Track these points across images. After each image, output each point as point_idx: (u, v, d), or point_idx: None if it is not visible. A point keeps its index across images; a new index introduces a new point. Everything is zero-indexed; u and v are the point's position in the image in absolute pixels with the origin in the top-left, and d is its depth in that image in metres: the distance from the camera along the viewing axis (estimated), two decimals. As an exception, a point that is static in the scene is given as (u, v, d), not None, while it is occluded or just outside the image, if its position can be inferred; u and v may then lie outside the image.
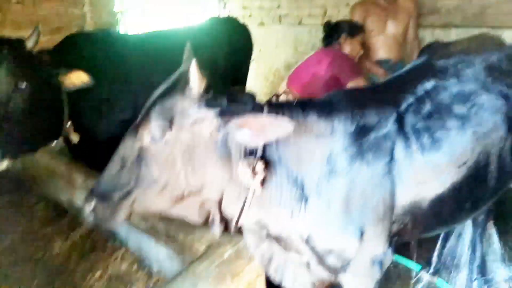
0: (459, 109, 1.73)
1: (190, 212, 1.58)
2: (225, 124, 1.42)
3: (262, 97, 6.01)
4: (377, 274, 1.70)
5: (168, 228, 2.02)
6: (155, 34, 3.51)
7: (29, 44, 2.17)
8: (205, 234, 1.89)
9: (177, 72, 1.58)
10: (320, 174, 1.55)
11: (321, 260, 1.64)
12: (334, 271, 1.67)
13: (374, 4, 3.41)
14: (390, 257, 1.71)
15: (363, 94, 1.76)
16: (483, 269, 2.57)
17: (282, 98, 2.55)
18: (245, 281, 1.71)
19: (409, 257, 2.71)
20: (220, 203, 1.56)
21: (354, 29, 3.02)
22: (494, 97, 1.79)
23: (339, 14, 4.97)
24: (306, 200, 1.56)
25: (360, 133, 1.58)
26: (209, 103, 1.44)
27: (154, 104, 1.51)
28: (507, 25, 3.82)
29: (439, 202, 1.70)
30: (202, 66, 1.49)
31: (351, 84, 2.52)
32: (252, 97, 1.55)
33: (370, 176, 1.55)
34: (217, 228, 1.62)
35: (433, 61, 1.93)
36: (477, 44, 2.18)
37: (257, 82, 6.03)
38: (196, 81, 1.42)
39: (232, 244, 1.80)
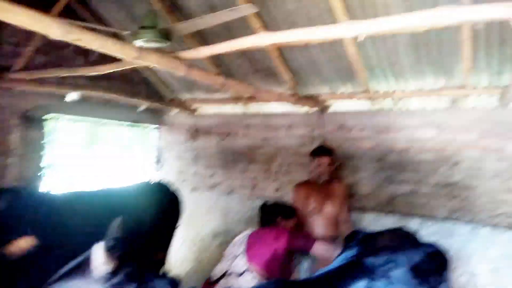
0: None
1: None
2: None
3: (186, 263, 5.74)
4: None
5: None
6: (85, 194, 3.64)
7: None
8: None
9: (86, 252, 1.47)
10: None
11: None
12: None
13: (314, 186, 3.79)
14: None
15: (294, 288, 1.71)
16: None
17: (247, 276, 2.51)
18: None
19: None
20: None
21: (289, 212, 3.23)
22: (422, 301, 1.83)
23: (269, 187, 5.29)
24: None
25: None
26: None
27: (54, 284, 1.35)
28: (411, 213, 4.28)
29: None
30: (114, 247, 1.43)
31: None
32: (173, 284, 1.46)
33: None
34: None
35: (363, 258, 1.99)
36: (399, 239, 2.33)
37: (184, 246, 5.81)
38: (101, 266, 1.33)
39: None
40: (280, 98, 4.04)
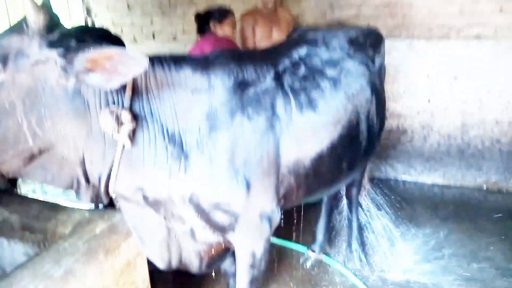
0: (330, 72, 1.84)
1: (50, 174, 1.33)
2: (70, 65, 1.20)
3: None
4: (266, 232, 1.64)
5: (23, 219, 1.66)
6: None
7: None
8: (71, 214, 1.60)
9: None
10: (201, 130, 1.46)
11: (207, 218, 1.51)
12: (222, 229, 1.56)
13: (260, 14, 3.74)
14: (278, 216, 1.67)
15: (241, 54, 1.76)
16: (361, 240, 2.73)
17: None
18: (124, 259, 1.48)
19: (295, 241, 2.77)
20: (83, 164, 1.34)
21: (221, 14, 3.20)
22: (357, 64, 1.97)
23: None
24: (186, 157, 1.44)
25: (239, 88, 1.55)
26: (52, 43, 1.23)
27: None
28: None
29: (319, 161, 1.75)
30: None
31: None
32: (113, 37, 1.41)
33: (252, 129, 1.52)
34: (83, 195, 1.38)
35: (304, 34, 2.05)
36: (337, 26, 2.41)
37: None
38: (32, 15, 1.19)
39: (104, 219, 1.55)
40: None
